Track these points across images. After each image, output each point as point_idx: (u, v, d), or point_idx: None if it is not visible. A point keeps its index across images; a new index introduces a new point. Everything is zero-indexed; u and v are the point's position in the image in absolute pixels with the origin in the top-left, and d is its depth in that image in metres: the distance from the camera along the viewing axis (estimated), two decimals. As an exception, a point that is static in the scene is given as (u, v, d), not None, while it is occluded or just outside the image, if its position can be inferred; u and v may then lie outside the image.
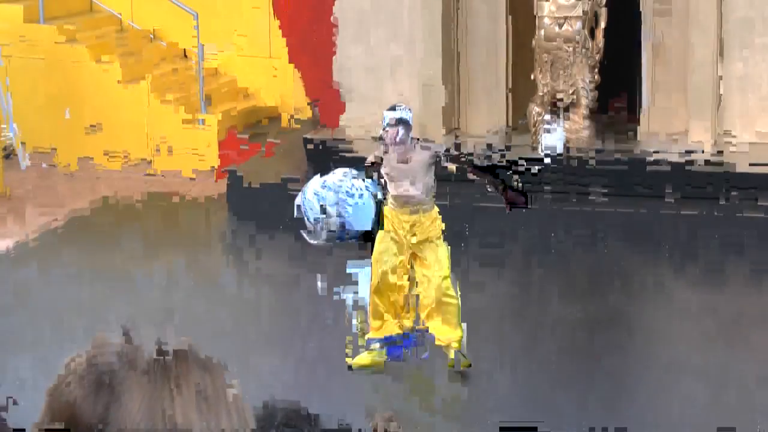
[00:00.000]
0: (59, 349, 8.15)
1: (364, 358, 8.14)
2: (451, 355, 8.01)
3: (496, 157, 10.10)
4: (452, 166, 8.07)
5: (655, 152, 10.61)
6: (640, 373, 8.19)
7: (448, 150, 8.28)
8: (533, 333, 8.78)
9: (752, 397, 7.70)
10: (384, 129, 7.97)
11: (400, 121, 7.95)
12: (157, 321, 8.80)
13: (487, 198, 10.23)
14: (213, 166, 12.16)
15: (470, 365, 7.98)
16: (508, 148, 10.94)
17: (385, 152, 8.09)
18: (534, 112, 11.08)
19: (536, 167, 8.13)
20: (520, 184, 8.17)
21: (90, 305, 9.23)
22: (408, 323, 8.14)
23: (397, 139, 7.92)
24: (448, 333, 7.99)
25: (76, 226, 11.20)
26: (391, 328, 8.13)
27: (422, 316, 8.06)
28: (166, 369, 1.66)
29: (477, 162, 8.43)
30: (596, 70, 11.02)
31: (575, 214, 10.34)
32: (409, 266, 8.07)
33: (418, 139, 8.22)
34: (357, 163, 8.43)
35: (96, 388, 1.65)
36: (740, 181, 10.34)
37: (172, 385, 1.66)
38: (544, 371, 8.07)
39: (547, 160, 8.09)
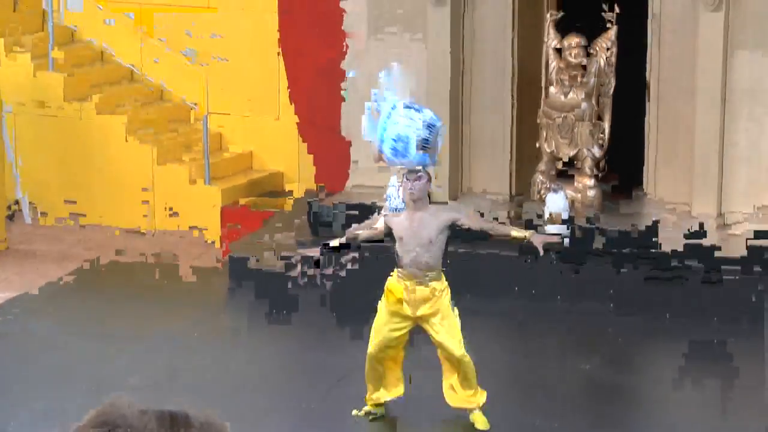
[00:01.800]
0: (59, 405, 8.15)
1: (361, 411, 8.15)
2: (473, 419, 7.95)
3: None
4: (474, 225, 7.93)
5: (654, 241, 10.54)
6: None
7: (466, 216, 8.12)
8: (535, 392, 8.73)
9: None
10: (406, 178, 7.82)
11: (421, 173, 7.85)
12: (158, 384, 8.78)
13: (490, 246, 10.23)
14: (214, 241, 12.11)
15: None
16: (518, 215, 10.95)
17: (394, 216, 7.99)
18: (538, 181, 11.08)
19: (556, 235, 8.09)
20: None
21: (91, 362, 9.20)
22: (400, 392, 8.08)
23: (416, 194, 7.79)
24: (464, 399, 7.90)
25: (78, 282, 11.17)
26: (386, 394, 8.08)
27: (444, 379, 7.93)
28: None
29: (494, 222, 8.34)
30: (603, 136, 11.02)
31: (579, 276, 10.31)
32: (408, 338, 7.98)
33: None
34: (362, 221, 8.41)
35: None
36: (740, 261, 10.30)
37: None
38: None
39: (557, 239, 8.08)
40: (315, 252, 8.27)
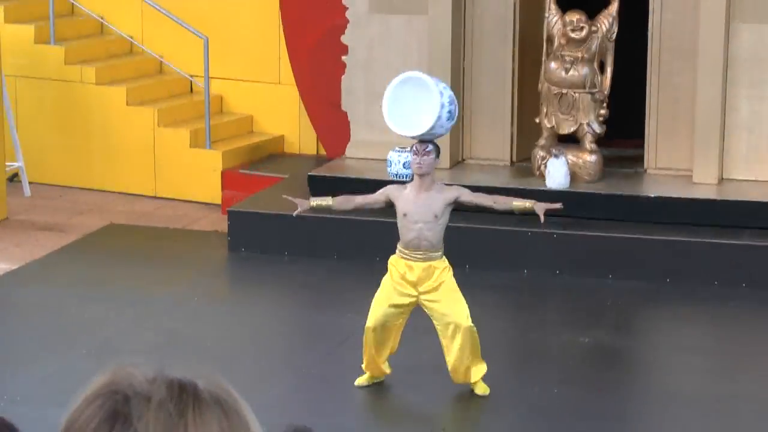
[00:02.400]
0: (59, 370, 8.17)
1: (363, 378, 8.13)
2: (473, 385, 7.97)
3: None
4: (477, 201, 7.91)
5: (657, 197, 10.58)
6: (647, 402, 8.16)
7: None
8: (535, 361, 8.75)
9: (756, 428, 7.67)
10: (414, 152, 7.76)
11: (431, 146, 7.80)
12: (158, 348, 8.79)
13: (488, 220, 10.27)
14: (216, 203, 12.14)
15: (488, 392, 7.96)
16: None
17: (399, 189, 7.93)
18: (539, 156, 11.07)
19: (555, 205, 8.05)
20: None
21: (91, 326, 9.21)
22: (387, 371, 8.09)
23: (425, 168, 7.73)
24: (469, 372, 7.91)
25: (78, 248, 11.19)
26: (378, 369, 8.06)
27: (447, 356, 7.93)
28: (183, 405, 1.64)
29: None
30: (604, 104, 11.02)
31: (582, 240, 10.32)
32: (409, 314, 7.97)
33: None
34: (365, 190, 8.37)
35: (112, 420, 1.63)
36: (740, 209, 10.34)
37: (189, 421, 1.63)
38: (548, 399, 8.02)
39: (559, 206, 8.07)
40: (300, 204, 8.19)
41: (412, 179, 7.99)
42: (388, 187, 8.14)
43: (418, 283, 7.79)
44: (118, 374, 1.67)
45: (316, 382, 8.39)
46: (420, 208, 7.75)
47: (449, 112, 7.80)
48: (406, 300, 7.84)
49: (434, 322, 7.89)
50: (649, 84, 11.19)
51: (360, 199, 8.09)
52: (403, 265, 7.81)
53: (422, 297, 7.81)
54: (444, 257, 7.85)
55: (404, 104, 7.85)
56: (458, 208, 8.06)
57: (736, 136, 11.00)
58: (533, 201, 8.03)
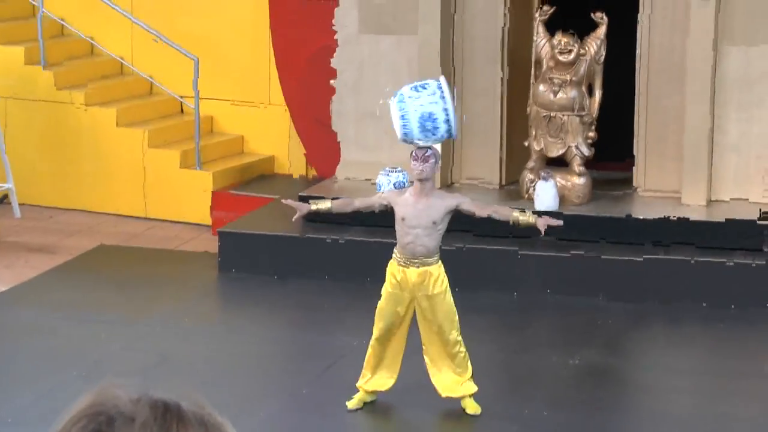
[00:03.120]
0: (49, 392, 8.15)
1: (354, 401, 8.12)
2: (464, 404, 7.96)
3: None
4: (477, 211, 7.89)
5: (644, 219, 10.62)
6: (637, 425, 8.17)
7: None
8: (525, 383, 8.76)
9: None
10: (414, 157, 7.73)
11: (430, 150, 7.79)
12: (150, 369, 8.78)
13: (479, 241, 10.30)
14: (207, 224, 12.15)
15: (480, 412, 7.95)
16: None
17: (398, 194, 7.94)
18: (527, 179, 11.09)
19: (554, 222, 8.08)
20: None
21: (82, 347, 9.20)
22: (389, 386, 8.08)
23: (426, 173, 7.73)
24: (456, 386, 7.92)
25: (69, 269, 11.18)
26: (378, 384, 8.07)
27: (430, 370, 7.97)
28: (167, 425, 1.65)
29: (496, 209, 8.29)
30: (593, 127, 11.06)
31: (569, 262, 10.34)
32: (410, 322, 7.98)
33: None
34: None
35: None
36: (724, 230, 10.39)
37: None
38: (538, 421, 8.03)
39: (560, 223, 8.09)
40: (299, 208, 8.22)
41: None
42: (387, 192, 8.17)
43: (414, 288, 7.82)
44: (103, 395, 1.67)
45: (307, 403, 8.38)
46: (419, 214, 7.75)
47: (423, 131, 7.84)
48: (404, 305, 7.85)
49: (419, 325, 7.92)
50: (637, 106, 11.24)
51: (358, 203, 8.11)
52: (399, 271, 7.83)
53: (417, 303, 7.84)
54: (440, 263, 7.86)
55: (410, 115, 7.86)
56: (455, 218, 8.07)
57: (724, 158, 11.05)
58: (535, 215, 8.04)
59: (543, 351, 9.34)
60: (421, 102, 7.78)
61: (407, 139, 7.85)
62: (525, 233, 8.15)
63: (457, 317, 7.88)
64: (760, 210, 10.46)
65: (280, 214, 11.16)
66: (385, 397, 8.15)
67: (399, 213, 7.83)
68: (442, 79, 8.02)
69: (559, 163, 11.18)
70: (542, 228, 7.83)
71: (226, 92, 12.96)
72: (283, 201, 8.60)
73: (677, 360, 9.17)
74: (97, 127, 12.73)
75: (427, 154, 7.73)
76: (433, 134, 7.79)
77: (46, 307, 10.12)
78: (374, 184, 10.47)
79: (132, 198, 12.61)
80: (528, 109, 11.18)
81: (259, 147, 13.03)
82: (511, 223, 7.95)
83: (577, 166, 11.05)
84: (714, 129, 11.00)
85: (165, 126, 12.87)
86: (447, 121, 7.77)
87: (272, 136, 12.90)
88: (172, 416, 1.67)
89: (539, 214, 8.12)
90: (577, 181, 11.03)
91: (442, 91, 7.83)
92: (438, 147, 8.06)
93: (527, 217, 7.89)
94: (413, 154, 7.78)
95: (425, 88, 7.83)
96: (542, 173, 10.93)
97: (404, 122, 7.79)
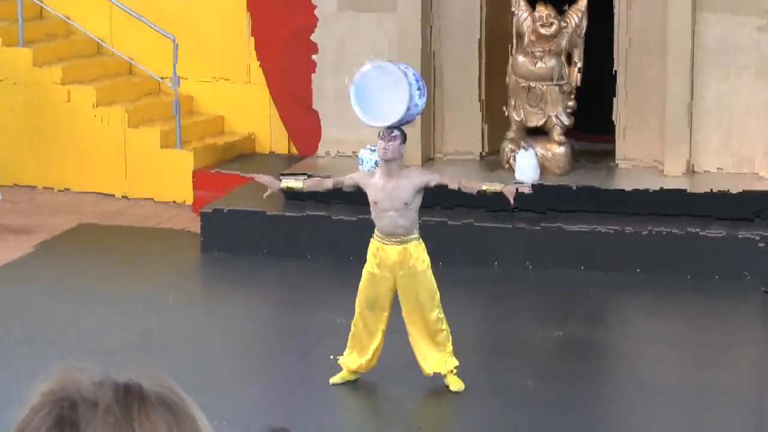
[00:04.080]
0: (32, 371, 8.13)
1: (337, 377, 8.12)
2: (448, 381, 7.97)
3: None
4: (446, 184, 7.89)
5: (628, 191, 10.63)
6: (621, 394, 8.20)
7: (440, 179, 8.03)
8: (508, 355, 8.77)
9: (727, 417, 7.73)
10: (380, 137, 7.72)
11: (396, 131, 7.75)
12: (132, 348, 8.77)
13: (460, 215, 10.30)
14: (188, 203, 12.12)
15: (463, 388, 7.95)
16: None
17: (368, 176, 7.95)
18: (507, 149, 11.09)
19: (525, 189, 8.10)
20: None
21: (64, 326, 9.17)
22: (373, 364, 8.07)
23: (390, 154, 7.69)
24: (440, 363, 7.93)
25: (51, 249, 11.14)
26: (361, 362, 8.05)
27: (414, 348, 7.98)
28: (129, 408, 1.65)
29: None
30: (572, 96, 11.05)
31: (550, 233, 10.35)
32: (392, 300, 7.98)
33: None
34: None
35: (59, 427, 1.63)
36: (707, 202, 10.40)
37: (135, 424, 1.64)
38: (523, 393, 8.05)
39: (528, 189, 8.11)
40: (271, 184, 8.20)
41: None
42: (357, 173, 8.16)
43: (394, 267, 7.81)
44: (64, 380, 1.67)
45: (292, 381, 8.38)
46: (389, 196, 7.73)
47: (419, 89, 7.82)
48: (386, 286, 7.84)
49: (401, 303, 7.92)
50: (617, 77, 11.23)
51: (329, 183, 8.09)
52: (379, 250, 7.82)
53: (398, 279, 7.83)
54: (419, 240, 7.85)
55: (373, 95, 7.83)
56: (431, 194, 8.06)
57: (705, 128, 11.06)
58: (502, 184, 8.06)
59: (526, 323, 9.36)
60: (410, 79, 7.87)
61: (410, 107, 7.89)
62: (505, 205, 8.12)
63: (438, 296, 7.88)
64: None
65: (261, 192, 11.14)
66: (370, 375, 8.16)
67: (371, 197, 7.84)
68: (369, 65, 7.96)
69: (539, 133, 11.18)
70: (510, 196, 7.85)
71: (205, 72, 12.90)
72: (255, 177, 8.57)
73: (660, 330, 9.19)
74: (76, 106, 12.67)
75: (393, 134, 7.72)
76: (424, 94, 7.83)
77: (27, 288, 10.10)
78: (356, 156, 10.47)
79: (112, 177, 12.56)
80: (507, 80, 11.16)
81: (240, 126, 12.99)
82: (477, 193, 7.96)
83: (557, 135, 11.05)
84: (694, 98, 11.00)
85: (144, 105, 12.82)
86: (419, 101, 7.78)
87: (252, 115, 12.86)
88: (134, 398, 1.66)
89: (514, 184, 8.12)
90: (557, 150, 11.03)
91: (414, 74, 7.87)
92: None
93: (494, 186, 7.91)
94: (380, 133, 7.77)
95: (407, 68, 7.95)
96: (522, 143, 10.93)
97: (418, 86, 7.88)
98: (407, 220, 7.78)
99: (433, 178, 7.88)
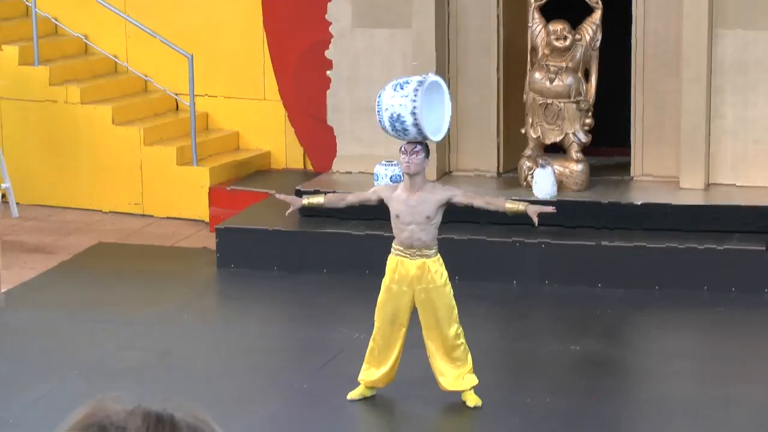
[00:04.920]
0: (50, 393, 8.14)
1: (356, 393, 8.11)
2: (465, 397, 7.96)
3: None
4: (469, 202, 7.88)
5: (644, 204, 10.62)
6: (639, 410, 8.16)
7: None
8: (526, 371, 8.74)
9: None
10: (402, 152, 7.70)
11: (419, 145, 7.73)
12: (149, 366, 8.77)
13: (478, 231, 10.29)
14: (204, 220, 12.14)
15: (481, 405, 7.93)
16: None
17: (391, 189, 7.94)
18: (525, 167, 11.08)
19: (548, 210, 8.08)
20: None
21: (81, 347, 9.18)
22: (391, 378, 8.06)
23: (413, 168, 7.68)
24: (458, 380, 7.91)
25: (68, 268, 11.16)
26: (379, 378, 8.04)
27: (431, 363, 7.97)
28: None
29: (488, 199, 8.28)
30: (589, 113, 11.05)
31: (570, 250, 10.33)
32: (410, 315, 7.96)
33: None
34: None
35: None
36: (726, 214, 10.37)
37: None
38: (540, 409, 8.02)
39: (552, 209, 8.10)
40: (293, 202, 8.24)
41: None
42: (380, 187, 8.16)
43: (412, 281, 7.80)
44: (97, 407, 1.69)
45: (308, 398, 8.37)
46: (412, 210, 7.73)
47: (394, 131, 7.83)
48: (404, 300, 7.83)
49: (420, 318, 7.91)
50: (633, 92, 11.21)
51: (352, 197, 8.11)
52: (398, 263, 7.82)
53: (416, 294, 7.82)
54: (438, 256, 7.84)
55: (430, 110, 7.84)
56: (449, 211, 8.06)
57: (722, 142, 11.03)
58: (526, 203, 8.03)
59: (544, 339, 9.33)
60: (394, 102, 7.72)
61: (388, 133, 7.85)
62: (523, 221, 8.10)
63: (456, 311, 7.87)
64: None
65: (277, 208, 11.15)
66: (387, 391, 8.14)
67: (393, 210, 7.83)
68: (430, 78, 7.91)
69: (556, 150, 11.17)
70: (533, 215, 7.83)
71: (220, 88, 12.93)
72: (276, 195, 8.61)
73: (677, 345, 9.16)
74: (93, 125, 12.71)
75: (416, 149, 7.70)
76: (405, 134, 7.75)
77: (46, 308, 10.11)
78: (372, 174, 10.47)
79: (129, 195, 12.59)
80: (524, 97, 11.16)
81: (255, 142, 13.02)
82: (502, 212, 7.95)
83: (574, 152, 11.03)
84: (710, 113, 10.97)
85: (161, 123, 12.85)
86: (416, 124, 7.68)
87: (268, 132, 12.88)
88: (164, 427, 1.67)
89: (533, 202, 8.09)
90: (575, 167, 11.01)
91: (416, 93, 7.71)
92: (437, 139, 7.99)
93: (517, 206, 7.89)
94: (402, 148, 7.77)
95: (403, 88, 7.75)
96: (540, 160, 10.92)
97: (379, 117, 7.79)
98: (428, 235, 7.79)
99: (457, 194, 7.88)
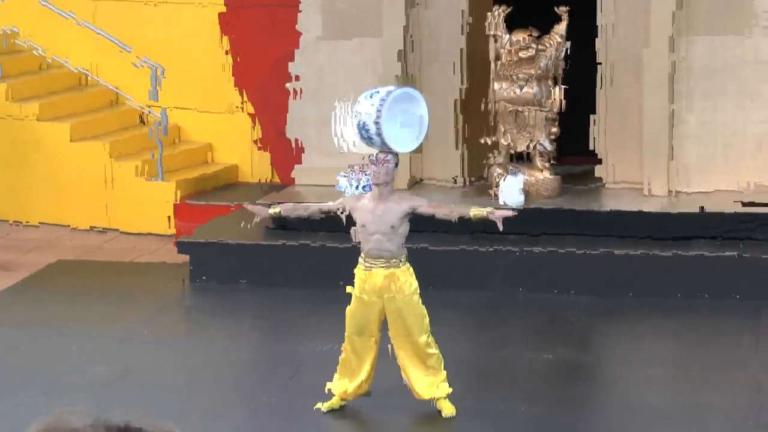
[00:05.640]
0: (12, 408, 7.96)
1: (326, 404, 7.99)
2: (440, 406, 7.84)
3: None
4: (434, 212, 7.82)
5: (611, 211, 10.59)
6: (612, 417, 8.07)
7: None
8: (500, 380, 8.64)
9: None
10: (372, 161, 7.64)
11: (388, 157, 7.65)
12: (113, 381, 8.61)
13: (450, 240, 10.21)
14: (170, 231, 12.01)
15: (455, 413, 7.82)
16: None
17: (357, 199, 7.88)
18: (496, 174, 11.04)
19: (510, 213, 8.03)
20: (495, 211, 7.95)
21: (44, 363, 9.01)
22: (365, 390, 7.94)
23: (382, 178, 7.61)
24: (432, 388, 7.80)
25: (30, 284, 10.98)
26: (351, 389, 7.91)
27: (403, 372, 7.86)
28: None
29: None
30: (555, 123, 11.03)
31: (539, 257, 10.26)
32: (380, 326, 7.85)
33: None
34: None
35: None
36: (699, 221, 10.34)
37: None
38: (515, 418, 7.91)
39: (512, 213, 8.05)
40: (260, 212, 8.21)
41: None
42: (346, 197, 8.10)
43: (381, 291, 7.71)
44: (56, 422, 1.63)
45: (276, 411, 8.23)
46: (377, 220, 7.66)
47: (362, 139, 7.75)
48: (373, 310, 7.73)
49: (389, 328, 7.81)
50: (598, 99, 11.21)
51: (315, 207, 8.08)
52: (366, 274, 7.73)
53: (386, 303, 7.72)
54: (407, 265, 7.76)
55: (405, 121, 7.76)
56: (421, 220, 7.98)
57: (686, 148, 11.02)
58: (491, 208, 7.98)
59: (516, 347, 9.24)
60: (361, 109, 7.65)
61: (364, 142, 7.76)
62: (493, 230, 8.00)
63: (427, 320, 7.77)
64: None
65: (247, 222, 11.03)
66: (359, 401, 8.01)
67: (359, 219, 7.78)
68: (400, 90, 7.83)
69: (523, 158, 11.16)
70: (498, 220, 7.76)
71: (190, 101, 12.80)
72: (245, 206, 8.57)
73: (650, 352, 9.09)
74: (53, 140, 12.51)
75: (386, 158, 7.65)
76: (371, 143, 7.67)
77: (7, 326, 9.92)
78: (337, 180, 10.37)
79: (92, 210, 12.40)
80: (486, 106, 11.13)
81: (223, 156, 12.90)
82: (467, 219, 7.90)
83: (540, 162, 11.03)
84: (674, 119, 10.97)
85: (127, 137, 12.70)
86: (379, 134, 7.60)
87: (236, 145, 12.76)
88: None
89: (498, 208, 8.05)
90: (540, 176, 11.00)
91: (382, 103, 7.60)
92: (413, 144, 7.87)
93: (482, 212, 7.84)
94: (371, 157, 7.70)
95: (372, 96, 7.69)
96: (510, 168, 10.91)
97: (353, 123, 7.72)
98: (394, 245, 7.71)
99: (421, 204, 7.82)
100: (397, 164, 7.76)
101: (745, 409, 8.04)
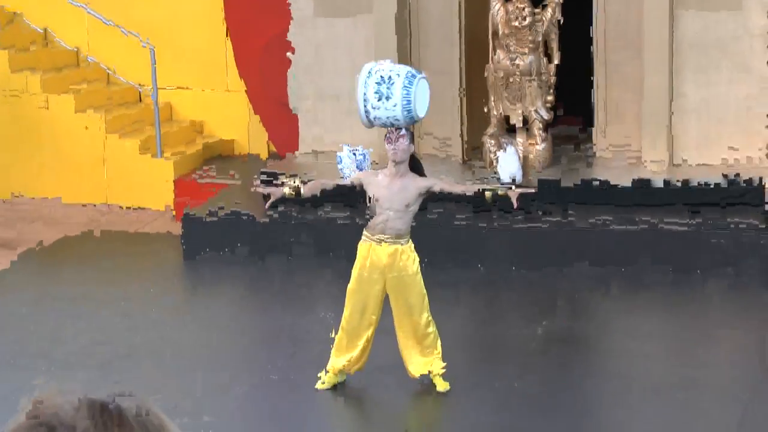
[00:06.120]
0: (16, 387, 8.08)
1: (324, 382, 8.11)
2: (434, 381, 7.98)
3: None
4: (449, 189, 7.90)
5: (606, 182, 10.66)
6: (607, 391, 8.20)
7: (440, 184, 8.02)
8: (495, 354, 8.77)
9: (712, 411, 7.74)
10: (387, 139, 7.69)
11: (403, 132, 7.70)
12: (118, 358, 8.73)
13: (443, 217, 10.31)
14: (170, 207, 12.09)
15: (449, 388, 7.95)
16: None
17: (372, 174, 7.91)
18: (488, 146, 11.10)
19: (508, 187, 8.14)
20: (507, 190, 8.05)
21: (47, 341, 9.12)
22: (360, 366, 8.07)
23: (399, 155, 7.64)
24: (426, 365, 7.93)
25: (31, 260, 11.08)
26: (349, 365, 8.03)
27: (401, 351, 7.98)
28: (106, 430, 1.66)
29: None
30: (551, 90, 11.08)
31: (533, 232, 10.35)
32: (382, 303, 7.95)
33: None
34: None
35: None
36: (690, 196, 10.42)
37: None
38: (509, 393, 8.06)
39: (533, 190, 8.17)
40: (274, 193, 8.20)
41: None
42: (362, 173, 8.13)
43: (384, 269, 7.79)
44: (42, 404, 1.67)
45: (278, 385, 8.35)
46: (392, 196, 7.72)
47: (377, 92, 7.86)
48: (375, 285, 7.82)
49: (391, 305, 7.92)
50: (596, 72, 11.24)
51: (329, 183, 8.19)
52: (369, 250, 7.79)
53: (388, 281, 7.82)
54: (411, 243, 7.84)
55: (425, 87, 7.93)
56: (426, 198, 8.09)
57: (684, 122, 11.07)
58: (505, 188, 8.05)
59: (511, 322, 9.35)
60: (384, 67, 7.83)
61: (365, 104, 7.88)
62: (486, 206, 8.12)
63: (427, 299, 7.87)
64: None
65: (243, 196, 11.14)
66: (357, 377, 8.14)
67: (373, 194, 7.80)
68: (378, 64, 7.91)
69: (515, 130, 11.20)
70: (514, 198, 7.84)
71: (184, 79, 12.86)
72: (256, 189, 8.60)
73: (644, 325, 9.20)
74: (54, 114, 12.59)
75: (400, 134, 7.70)
76: (388, 97, 7.77)
77: (9, 300, 10.03)
78: (336, 154, 10.44)
79: (93, 186, 12.49)
80: (485, 74, 11.17)
81: (219, 132, 12.98)
82: (485, 196, 7.96)
83: (537, 130, 11.07)
84: (673, 93, 11.02)
85: (124, 114, 12.77)
86: (364, 107, 7.72)
87: (231, 121, 12.85)
88: (112, 421, 1.66)
89: (509, 186, 8.14)
90: (537, 147, 11.06)
91: (367, 75, 7.75)
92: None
93: (497, 190, 7.92)
94: (386, 136, 7.76)
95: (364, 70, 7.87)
96: (503, 142, 10.92)
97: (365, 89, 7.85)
98: (403, 224, 7.78)
99: (436, 183, 7.88)
100: (412, 140, 7.84)
101: (736, 383, 8.17)
